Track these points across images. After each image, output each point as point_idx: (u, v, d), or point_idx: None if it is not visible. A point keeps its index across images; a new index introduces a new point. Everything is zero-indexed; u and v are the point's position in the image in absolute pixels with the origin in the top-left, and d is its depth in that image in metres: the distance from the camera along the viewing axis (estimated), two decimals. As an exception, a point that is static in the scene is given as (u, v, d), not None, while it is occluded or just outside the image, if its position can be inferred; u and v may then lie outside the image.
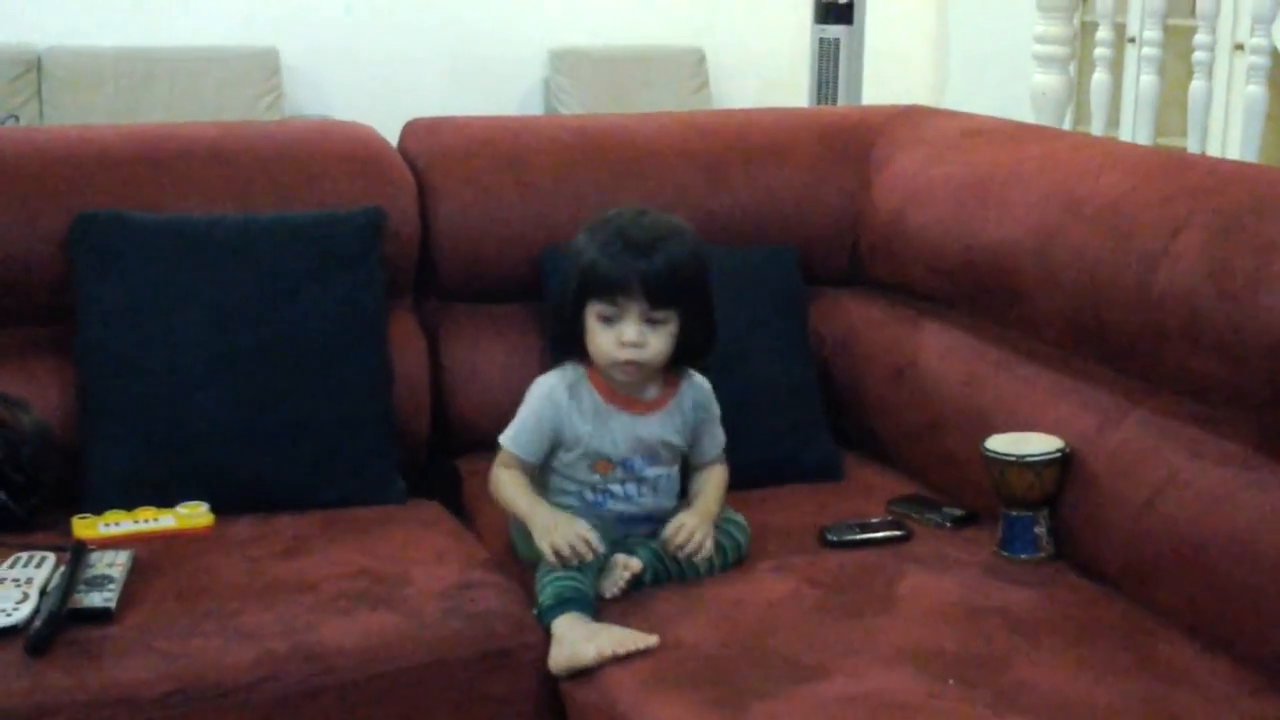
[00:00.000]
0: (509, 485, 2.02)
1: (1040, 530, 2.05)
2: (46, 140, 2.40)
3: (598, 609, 1.88)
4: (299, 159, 2.41)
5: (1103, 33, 4.15)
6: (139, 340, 2.17)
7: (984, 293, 2.31)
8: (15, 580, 1.85)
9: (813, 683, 1.69)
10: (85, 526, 2.05)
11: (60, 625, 1.76)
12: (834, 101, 5.18)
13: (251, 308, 2.21)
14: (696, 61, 6.13)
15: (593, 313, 1.98)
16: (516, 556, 2.07)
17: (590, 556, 1.90)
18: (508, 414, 2.05)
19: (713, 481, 2.10)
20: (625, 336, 1.95)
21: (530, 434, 2.02)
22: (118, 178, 2.29)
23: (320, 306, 2.24)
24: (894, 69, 5.89)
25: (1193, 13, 3.91)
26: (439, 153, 2.50)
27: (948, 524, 2.19)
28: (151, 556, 1.98)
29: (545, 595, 1.87)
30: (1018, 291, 2.21)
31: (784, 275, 2.51)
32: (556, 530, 1.92)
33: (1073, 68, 4.18)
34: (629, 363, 1.97)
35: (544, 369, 2.10)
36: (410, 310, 2.46)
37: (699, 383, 2.09)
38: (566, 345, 2.03)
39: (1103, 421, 2.05)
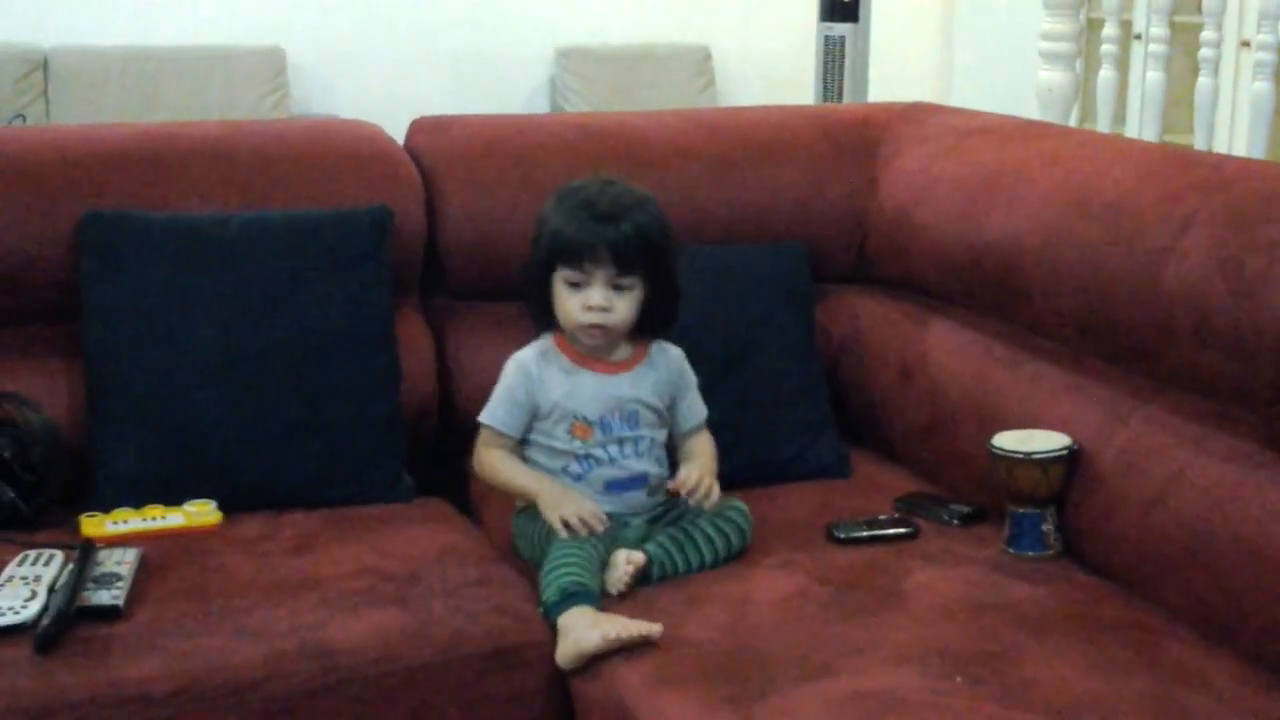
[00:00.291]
0: (504, 465, 2.07)
1: (1047, 527, 2.05)
2: (53, 139, 2.40)
3: (604, 606, 1.88)
4: (305, 158, 2.42)
5: (1109, 29, 4.15)
6: (146, 339, 2.17)
7: (991, 290, 2.31)
8: (24, 578, 1.85)
9: (820, 679, 1.69)
10: (93, 525, 2.06)
11: (68, 623, 1.76)
12: (839, 99, 5.17)
13: (258, 306, 2.21)
14: (702, 60, 6.13)
15: (560, 279, 2.03)
16: (518, 556, 2.08)
17: (600, 528, 1.94)
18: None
19: (701, 445, 2.14)
20: (592, 301, 2.01)
21: (506, 406, 2.07)
22: (124, 177, 2.30)
23: (327, 305, 2.24)
24: (900, 66, 5.89)
25: (1199, 9, 3.91)
26: (446, 151, 2.50)
27: (955, 521, 2.18)
28: (159, 554, 1.98)
29: (549, 591, 1.88)
30: (1024, 289, 2.21)
31: (791, 272, 2.51)
32: (565, 503, 1.96)
33: (1079, 64, 4.18)
34: (595, 326, 2.03)
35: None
36: (417, 308, 2.46)
37: (670, 347, 2.14)
38: (536, 312, 2.09)
39: (1110, 419, 2.04)
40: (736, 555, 2.04)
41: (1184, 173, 2.05)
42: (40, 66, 5.25)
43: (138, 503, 2.10)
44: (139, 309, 2.18)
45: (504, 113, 2.82)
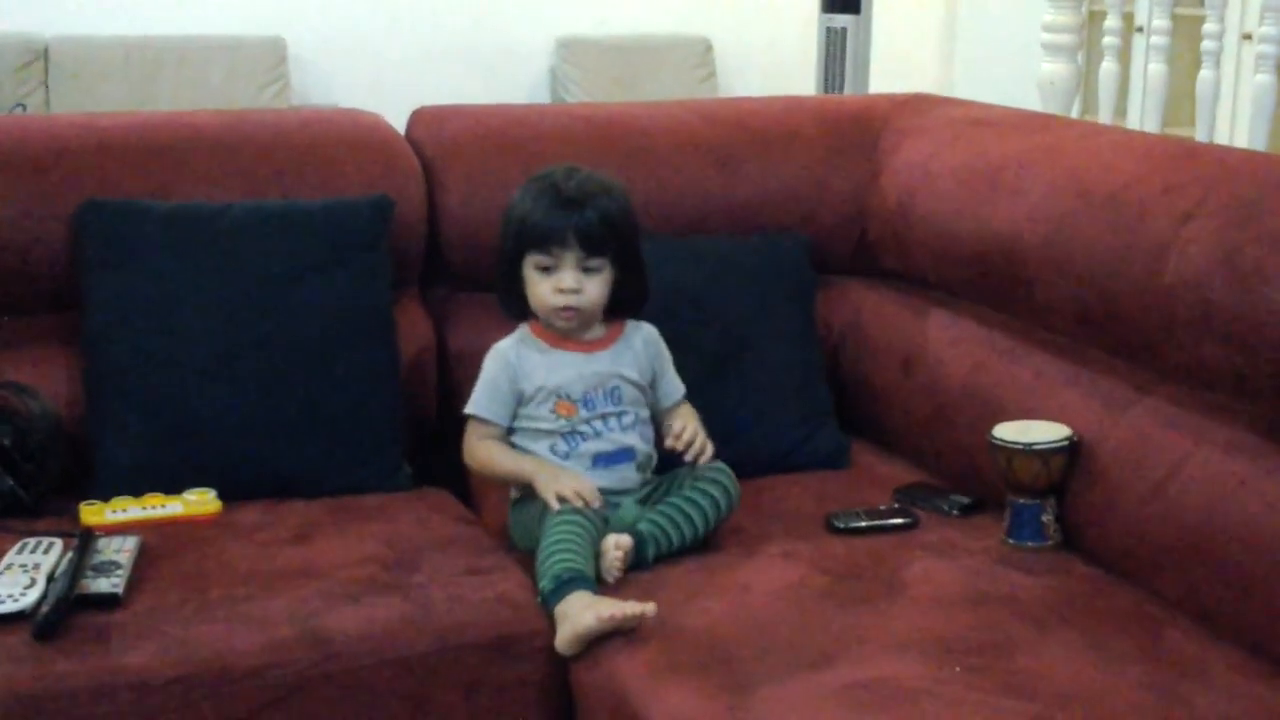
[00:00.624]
0: (494, 453, 2.10)
1: (1047, 518, 2.05)
2: (53, 128, 2.40)
3: (603, 594, 1.88)
4: (306, 147, 2.41)
5: (1111, 21, 4.14)
6: (147, 328, 2.17)
7: (992, 281, 2.31)
8: (23, 566, 1.85)
9: (819, 669, 1.70)
10: (93, 513, 2.06)
11: (68, 611, 1.76)
12: (841, 91, 5.17)
13: (258, 295, 2.21)
14: (703, 51, 6.12)
15: (530, 264, 2.08)
16: (515, 548, 2.08)
17: (596, 501, 1.97)
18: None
19: (685, 411, 2.17)
20: (563, 283, 2.06)
21: (490, 395, 2.11)
22: (124, 166, 2.30)
23: (327, 294, 2.24)
24: (901, 58, 5.88)
25: (1201, 2, 3.90)
26: (446, 141, 2.50)
27: (955, 512, 2.18)
28: (159, 543, 1.98)
29: (545, 580, 1.88)
30: (1026, 280, 2.21)
31: (792, 263, 2.51)
32: (560, 479, 2.01)
33: (1081, 57, 4.17)
34: (566, 308, 2.06)
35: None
36: (417, 298, 2.46)
37: (644, 325, 2.18)
38: (509, 301, 2.13)
39: (1110, 410, 2.04)
40: (727, 517, 2.06)
41: (1185, 165, 2.05)
42: (41, 56, 5.25)
43: (137, 491, 2.10)
44: (139, 298, 2.18)
45: (504, 103, 2.81)
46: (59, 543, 1.92)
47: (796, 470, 2.35)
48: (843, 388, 2.55)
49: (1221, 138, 4.20)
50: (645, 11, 6.16)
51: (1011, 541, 2.06)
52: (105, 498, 2.09)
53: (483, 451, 2.11)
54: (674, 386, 2.18)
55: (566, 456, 2.07)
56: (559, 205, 2.06)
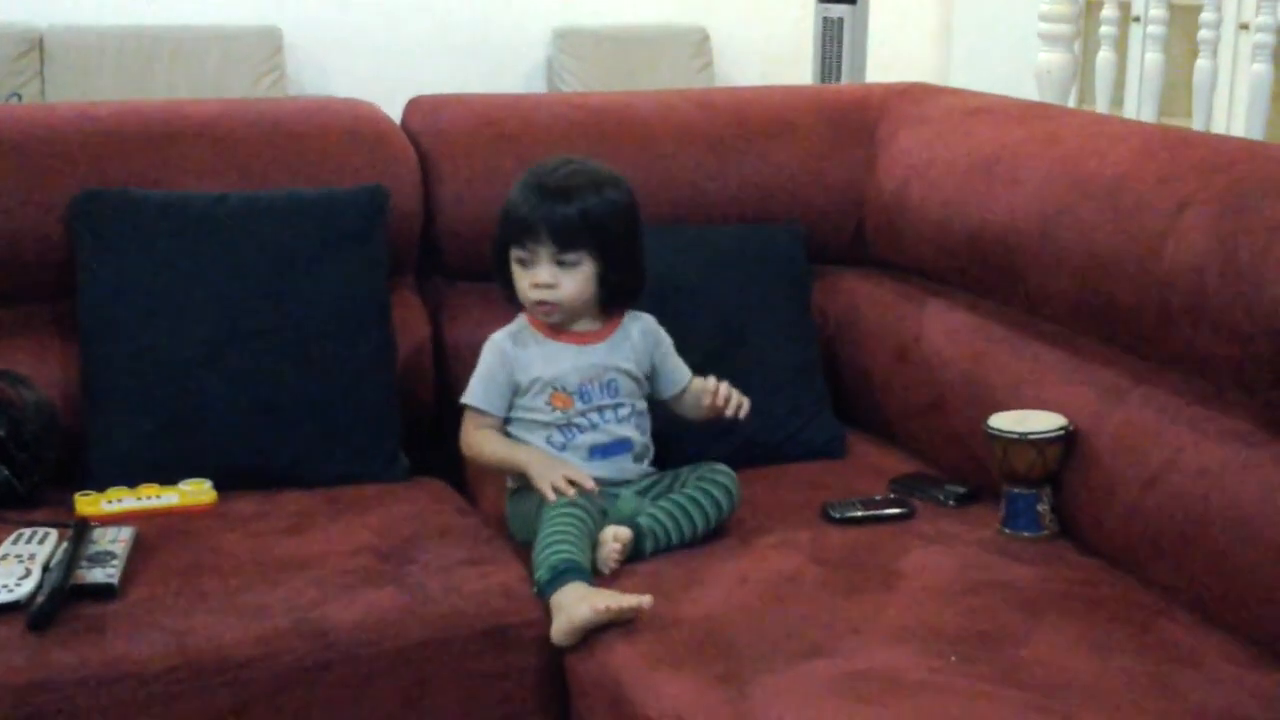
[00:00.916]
0: (490, 442, 2.10)
1: (1043, 508, 2.05)
2: (48, 118, 2.39)
3: (600, 585, 1.88)
4: (302, 136, 2.41)
5: (1108, 11, 4.14)
6: (142, 317, 2.17)
7: (988, 271, 2.31)
8: (18, 556, 1.85)
9: (815, 659, 1.70)
10: (88, 503, 2.06)
11: (63, 601, 1.76)
12: (838, 80, 5.16)
13: (254, 285, 2.21)
14: (700, 41, 6.11)
15: (513, 257, 2.08)
16: (513, 538, 2.08)
17: (590, 485, 1.98)
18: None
19: (695, 383, 2.16)
20: (537, 278, 2.05)
21: (486, 386, 2.11)
22: (120, 155, 2.29)
23: (323, 284, 2.24)
24: (898, 47, 5.88)
25: (1198, -9, 3.90)
26: (442, 130, 2.50)
27: (950, 502, 2.19)
28: (154, 533, 1.98)
29: (541, 571, 1.88)
30: (1022, 269, 2.21)
31: (788, 253, 2.51)
32: (554, 468, 2.01)
33: (1077, 46, 4.17)
34: (542, 302, 2.06)
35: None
36: (413, 288, 2.46)
37: (642, 315, 2.17)
38: (505, 290, 2.13)
39: (1106, 399, 2.04)
40: (727, 519, 2.06)
41: (1182, 154, 2.04)
42: (36, 46, 5.23)
43: (133, 481, 2.10)
44: (134, 287, 2.18)
45: (501, 93, 2.81)
46: (54, 533, 1.92)
47: (792, 460, 2.35)
48: (839, 378, 2.55)
49: (1218, 127, 4.20)
50: (642, 1, 6.15)
51: (1007, 531, 2.06)
52: (100, 488, 2.09)
53: (478, 441, 2.11)
54: (680, 372, 2.17)
55: (563, 448, 2.07)
56: (538, 198, 2.05)
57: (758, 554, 2.00)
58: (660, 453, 2.17)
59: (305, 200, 2.30)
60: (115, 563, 1.85)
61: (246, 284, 2.21)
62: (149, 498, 2.08)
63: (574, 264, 2.06)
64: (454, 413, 2.17)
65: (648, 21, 6.11)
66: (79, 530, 1.91)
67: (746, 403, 2.12)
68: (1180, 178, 1.97)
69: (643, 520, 1.99)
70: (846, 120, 2.66)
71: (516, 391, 2.10)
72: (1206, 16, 3.84)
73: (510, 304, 2.15)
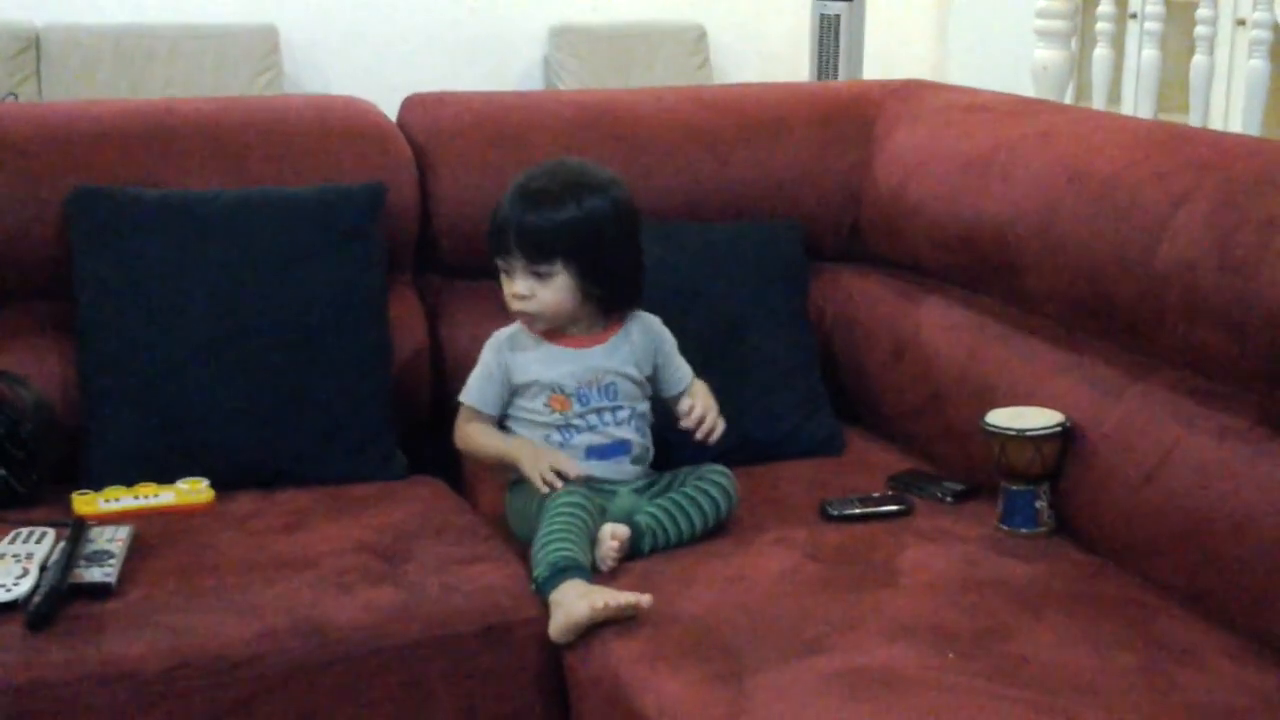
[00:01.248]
0: (480, 434, 2.11)
1: (1040, 504, 2.05)
2: (44, 116, 2.39)
3: (597, 583, 1.88)
4: (298, 134, 2.41)
5: (1104, 7, 4.14)
6: (139, 316, 2.17)
7: (985, 267, 2.31)
8: (15, 556, 1.85)
9: (813, 656, 1.70)
10: (85, 502, 2.06)
11: (60, 600, 1.76)
12: (835, 78, 5.17)
13: (251, 283, 2.20)
14: (697, 38, 6.11)
15: (497, 265, 2.08)
16: (511, 534, 2.08)
17: (575, 472, 1.99)
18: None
19: (697, 389, 2.16)
20: (514, 288, 2.05)
21: (482, 385, 2.11)
22: (115, 153, 2.29)
23: (320, 282, 2.24)
24: (895, 44, 5.88)
25: (1195, -13, 3.90)
26: (439, 128, 2.50)
27: (948, 498, 2.19)
28: (152, 532, 1.98)
29: (540, 568, 1.88)
30: (1019, 266, 2.21)
31: (785, 250, 2.51)
32: (543, 458, 2.01)
33: (1074, 42, 4.17)
34: (520, 313, 2.06)
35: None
36: (410, 286, 2.46)
37: (645, 316, 2.16)
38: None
39: (1103, 396, 2.04)
40: (725, 519, 2.06)
41: (1178, 150, 2.04)
42: (32, 45, 5.22)
43: (130, 480, 2.10)
44: (131, 286, 2.18)
45: (497, 90, 2.80)
46: (51, 532, 1.92)
47: (790, 457, 2.35)
48: (836, 374, 2.55)
49: (1215, 123, 4.20)
50: (639, -1, 6.15)
51: (1005, 528, 2.06)
52: (98, 487, 2.09)
53: (470, 433, 2.12)
54: (681, 373, 2.16)
55: (560, 447, 2.07)
56: (513, 208, 2.05)
57: (756, 551, 2.00)
58: (659, 452, 2.17)
59: (302, 198, 2.29)
60: (112, 562, 1.85)
61: (243, 282, 2.20)
62: (146, 497, 2.08)
63: (549, 275, 2.04)
64: (451, 411, 2.17)
65: (645, 19, 6.10)
66: (76, 529, 1.91)
67: (719, 428, 2.11)
68: (1177, 174, 1.97)
69: (641, 518, 1.99)
70: (843, 117, 2.66)
71: (514, 392, 2.10)
72: (1203, 13, 3.84)
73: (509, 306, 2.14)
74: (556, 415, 2.07)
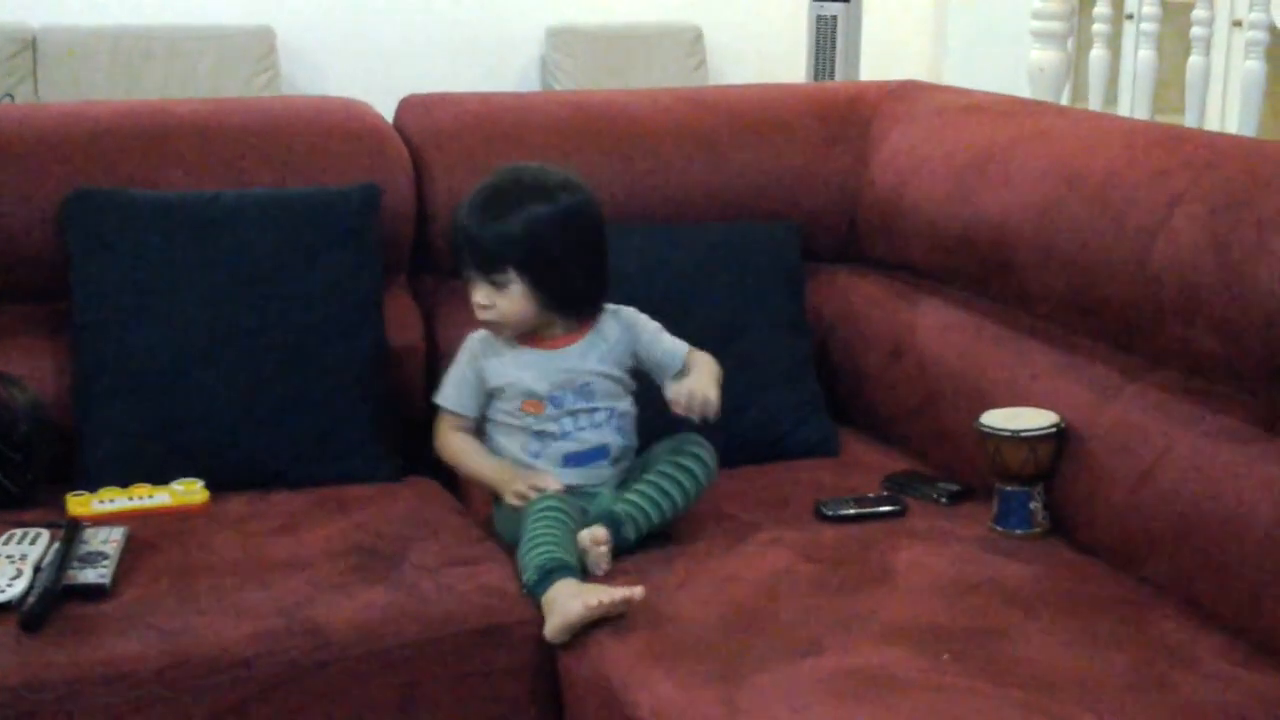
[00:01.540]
0: (462, 453, 2.11)
1: (1035, 505, 2.05)
2: (40, 117, 2.39)
3: (591, 582, 1.88)
4: (294, 135, 2.41)
5: (1101, 8, 4.14)
6: (135, 317, 2.17)
7: (981, 268, 2.31)
8: (9, 557, 1.85)
9: (808, 657, 1.69)
10: (80, 503, 2.05)
11: (55, 601, 1.76)
12: (832, 79, 5.16)
13: (247, 284, 2.20)
14: (694, 39, 6.11)
15: (463, 275, 2.09)
16: (500, 538, 2.07)
17: (554, 486, 1.99)
18: (503, 390, 2.06)
19: (695, 359, 2.10)
20: (475, 298, 2.05)
21: (456, 387, 2.11)
22: (112, 155, 2.29)
23: (315, 283, 2.24)
24: (892, 45, 5.88)
25: (1191, -11, 3.90)
26: (435, 129, 2.50)
27: (943, 499, 2.19)
28: (146, 533, 1.98)
29: (529, 572, 1.88)
30: (1015, 267, 2.21)
31: (782, 251, 2.51)
32: (516, 480, 2.02)
33: (1070, 44, 4.17)
34: (484, 322, 2.07)
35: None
36: (406, 287, 2.46)
37: (620, 310, 2.14)
38: None
39: (1099, 397, 2.04)
40: (706, 487, 2.05)
41: (1174, 150, 2.04)
42: (29, 46, 5.22)
43: (125, 481, 2.10)
44: (126, 287, 2.18)
45: (494, 91, 2.80)
46: (46, 533, 1.92)
47: (786, 458, 2.35)
48: (832, 376, 2.55)
49: (1211, 124, 4.21)
50: (636, 0, 6.15)
51: (1000, 529, 2.06)
52: (92, 488, 2.09)
53: (452, 448, 2.12)
54: (672, 356, 2.11)
55: (538, 456, 2.07)
56: (464, 219, 2.06)
57: (750, 552, 1.99)
58: (643, 431, 2.14)
59: (298, 199, 2.29)
60: (107, 563, 1.85)
61: (239, 283, 2.20)
62: (141, 498, 2.08)
63: (504, 285, 2.03)
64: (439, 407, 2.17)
65: (642, 20, 6.10)
66: (71, 530, 1.91)
67: (711, 402, 2.02)
68: (1173, 174, 1.97)
69: (619, 508, 1.99)
70: (840, 118, 2.66)
71: (492, 393, 2.09)
72: (1199, 14, 3.84)
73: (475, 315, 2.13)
74: (531, 419, 2.06)
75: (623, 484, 2.08)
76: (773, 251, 2.50)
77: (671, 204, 2.51)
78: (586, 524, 1.96)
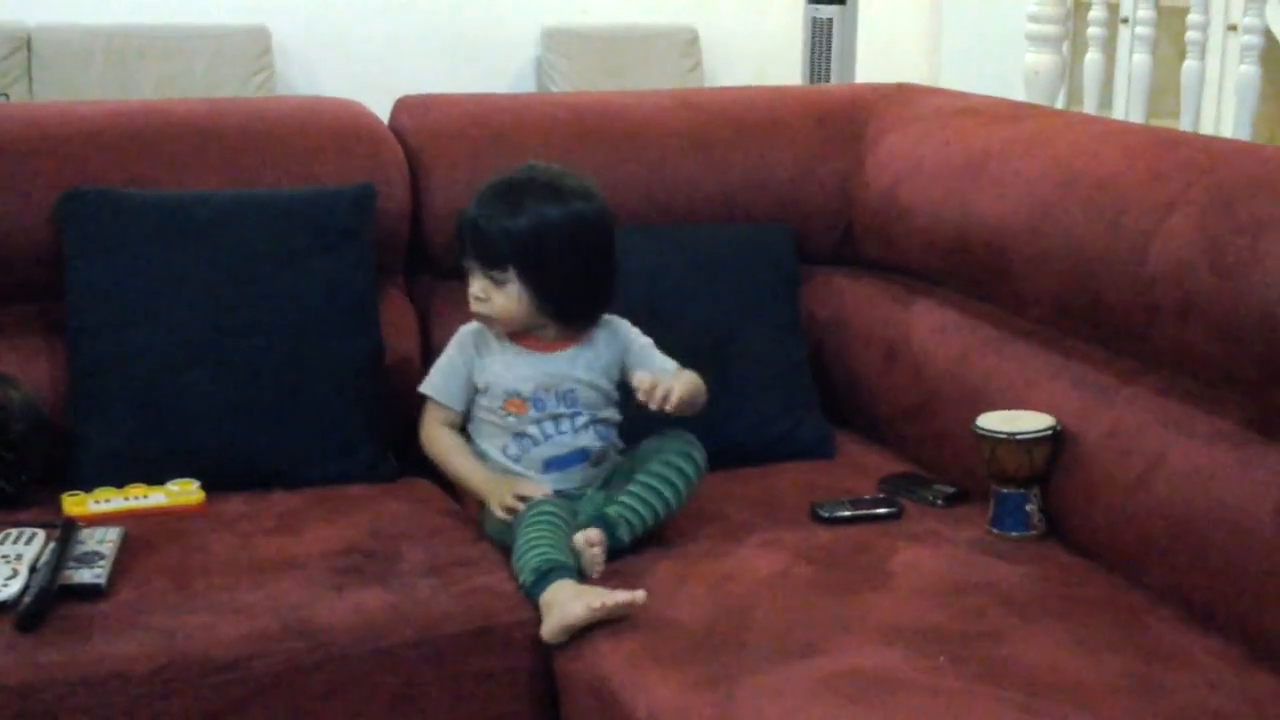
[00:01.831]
0: (449, 456, 2.10)
1: (1031, 508, 2.05)
2: (34, 117, 2.39)
3: (588, 584, 1.88)
4: (289, 135, 2.40)
5: (1096, 12, 4.15)
6: (130, 317, 2.16)
7: (976, 271, 2.31)
8: (5, 557, 1.84)
9: (803, 659, 1.70)
10: (75, 503, 2.05)
11: (50, 602, 1.76)
12: (827, 81, 5.16)
13: (241, 285, 2.20)
14: (689, 41, 6.11)
15: (463, 264, 2.09)
16: (490, 539, 2.06)
17: (541, 493, 1.98)
18: (499, 391, 2.05)
19: (682, 376, 2.07)
20: (472, 289, 2.05)
21: (444, 377, 2.11)
22: (106, 154, 2.28)
23: (311, 284, 2.23)
24: (887, 48, 5.88)
25: (1186, -7, 3.91)
26: (431, 130, 2.50)
27: (939, 502, 2.19)
28: (142, 533, 1.98)
29: (525, 574, 1.88)
30: (1010, 270, 2.21)
31: (777, 253, 2.51)
32: (502, 489, 2.00)
33: (1066, 47, 4.18)
34: (477, 315, 2.06)
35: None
36: (401, 288, 2.46)
37: (615, 321, 2.13)
38: None
39: (1094, 399, 2.05)
40: (697, 483, 2.04)
41: (1169, 154, 2.05)
42: (24, 45, 5.22)
43: (120, 481, 2.10)
44: (121, 287, 2.17)
45: (489, 92, 2.80)
46: (41, 533, 1.91)
47: (781, 460, 2.35)
48: (827, 378, 2.55)
49: (1206, 128, 4.21)
50: (631, 1, 6.15)
51: (995, 531, 2.07)
52: (88, 488, 2.08)
53: (440, 444, 2.11)
54: (660, 373, 2.09)
55: (517, 460, 2.07)
56: (475, 210, 2.05)
57: (746, 553, 2.00)
58: (629, 437, 2.13)
59: (293, 199, 2.29)
60: (103, 563, 1.85)
61: (234, 283, 2.20)
62: (136, 498, 2.08)
63: (503, 281, 2.03)
64: (425, 397, 2.16)
65: (637, 21, 6.11)
66: (66, 530, 1.90)
67: (674, 393, 1.99)
68: (1168, 178, 1.97)
69: (611, 510, 1.98)
70: (836, 121, 2.66)
71: (477, 388, 2.09)
72: (1194, 18, 3.84)
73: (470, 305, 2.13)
74: (511, 419, 2.06)
75: (609, 483, 2.07)
76: (768, 253, 2.50)
77: (667, 205, 2.52)
78: (579, 526, 1.95)
